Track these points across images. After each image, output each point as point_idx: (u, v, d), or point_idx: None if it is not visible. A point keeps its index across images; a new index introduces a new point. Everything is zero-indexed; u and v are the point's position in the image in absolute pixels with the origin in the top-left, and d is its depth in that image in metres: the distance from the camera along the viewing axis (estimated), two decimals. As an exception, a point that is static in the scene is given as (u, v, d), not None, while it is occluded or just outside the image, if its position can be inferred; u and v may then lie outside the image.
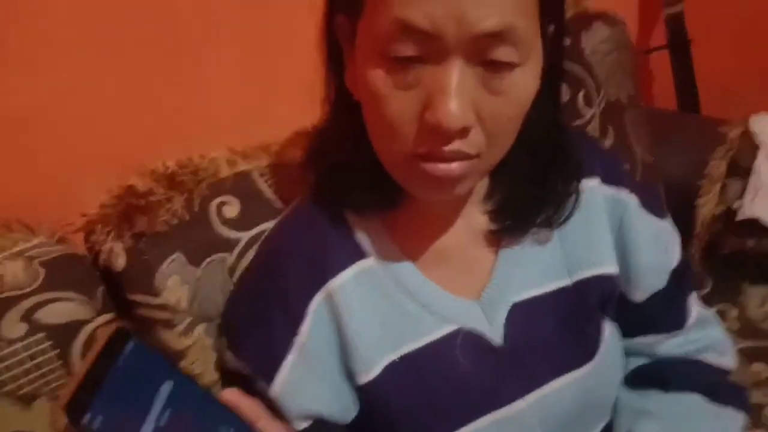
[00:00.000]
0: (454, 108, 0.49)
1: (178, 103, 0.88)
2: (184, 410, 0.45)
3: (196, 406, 0.47)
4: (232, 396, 0.50)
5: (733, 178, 1.12)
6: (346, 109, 0.59)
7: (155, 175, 0.71)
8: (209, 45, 0.90)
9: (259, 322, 0.64)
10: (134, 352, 0.45)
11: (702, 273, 1.13)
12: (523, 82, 0.52)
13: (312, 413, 0.63)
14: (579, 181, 0.66)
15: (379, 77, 0.51)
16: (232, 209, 0.74)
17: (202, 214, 0.72)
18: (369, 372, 0.63)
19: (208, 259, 0.71)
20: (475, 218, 0.66)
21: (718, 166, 1.12)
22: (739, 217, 1.10)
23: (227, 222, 0.73)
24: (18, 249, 0.65)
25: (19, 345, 0.60)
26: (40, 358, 0.61)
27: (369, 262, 0.64)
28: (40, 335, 0.61)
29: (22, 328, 0.61)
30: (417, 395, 0.63)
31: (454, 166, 0.53)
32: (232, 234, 0.73)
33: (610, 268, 0.69)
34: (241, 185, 0.75)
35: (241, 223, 0.74)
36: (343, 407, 0.65)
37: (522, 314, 0.65)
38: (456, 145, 0.52)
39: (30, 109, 0.78)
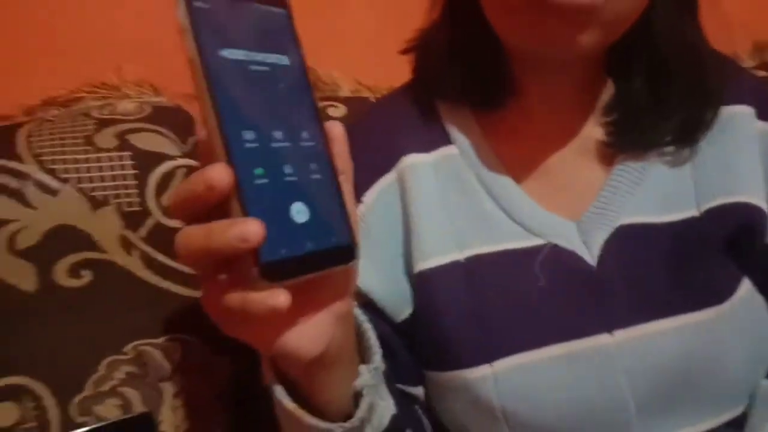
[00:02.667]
0: None
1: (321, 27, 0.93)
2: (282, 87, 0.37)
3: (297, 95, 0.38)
4: (338, 130, 0.40)
5: None
6: None
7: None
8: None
9: None
10: None
11: None
12: None
13: (360, 290, 0.56)
14: (716, 107, 0.58)
15: None
16: (338, 111, 0.75)
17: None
18: (428, 260, 0.57)
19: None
20: (589, 131, 0.59)
21: None
22: None
23: (329, 119, 0.73)
24: (140, 99, 0.72)
25: (104, 154, 0.64)
26: (118, 172, 0.64)
27: (452, 150, 0.60)
28: (126, 153, 0.65)
29: (112, 142, 0.65)
30: (475, 303, 0.55)
31: None
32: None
33: (754, 198, 0.57)
34: (353, 101, 0.76)
35: (344, 120, 0.73)
36: (396, 297, 0.58)
37: (627, 239, 0.55)
38: None
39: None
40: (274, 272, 0.34)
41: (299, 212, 0.35)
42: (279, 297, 0.33)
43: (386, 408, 0.50)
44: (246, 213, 0.33)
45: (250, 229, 0.32)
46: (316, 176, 0.37)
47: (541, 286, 0.55)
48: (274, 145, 0.35)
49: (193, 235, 0.34)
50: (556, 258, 0.55)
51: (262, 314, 0.34)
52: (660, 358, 0.53)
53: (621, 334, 0.53)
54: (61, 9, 0.83)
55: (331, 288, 0.40)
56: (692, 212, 0.56)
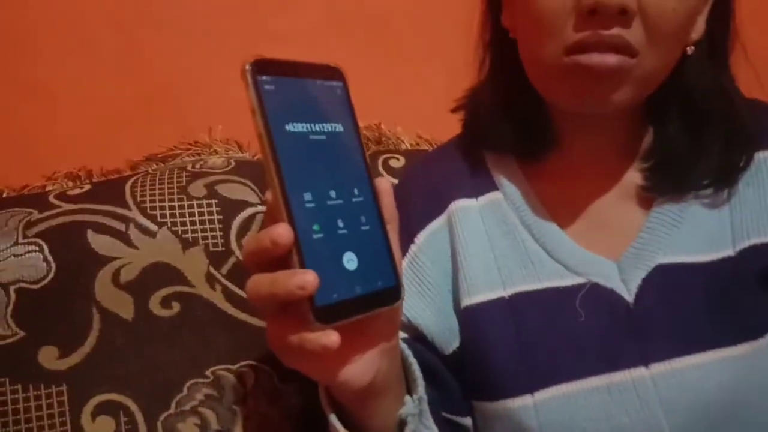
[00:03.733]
0: None
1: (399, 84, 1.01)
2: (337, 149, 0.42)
3: (350, 156, 0.43)
4: (385, 185, 0.46)
5: None
6: (501, 49, 0.65)
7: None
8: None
9: None
10: None
11: None
12: None
13: (411, 323, 0.62)
14: (750, 151, 0.61)
15: None
16: (399, 163, 0.82)
17: (370, 159, 0.81)
18: (474, 296, 0.61)
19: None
20: (630, 177, 0.63)
21: None
22: None
23: (390, 170, 0.81)
24: (227, 155, 0.82)
25: (195, 202, 0.74)
26: (206, 217, 0.73)
27: (498, 196, 0.65)
28: (214, 200, 0.74)
29: (202, 191, 0.74)
30: (519, 336, 0.59)
31: (610, 57, 0.52)
32: (391, 179, 0.80)
33: None
34: (413, 153, 0.84)
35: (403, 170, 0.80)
36: (445, 331, 0.63)
37: (665, 277, 0.58)
38: (616, 30, 0.51)
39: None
40: (327, 315, 0.39)
41: (350, 260, 0.41)
42: (330, 337, 0.39)
43: None
44: (303, 264, 0.39)
45: (306, 279, 0.38)
46: (366, 227, 0.42)
47: (582, 321, 0.58)
48: (329, 203, 0.41)
49: (260, 283, 0.40)
50: (596, 295, 0.58)
51: (317, 352, 0.40)
52: (697, 391, 0.54)
53: (657, 367, 0.55)
54: (165, 80, 0.95)
55: (378, 325, 0.46)
56: (728, 252, 0.58)
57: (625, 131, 0.63)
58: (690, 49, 0.57)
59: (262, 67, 0.40)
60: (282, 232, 0.38)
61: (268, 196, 0.41)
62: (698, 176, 0.60)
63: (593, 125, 0.62)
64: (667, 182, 0.60)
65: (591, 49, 0.52)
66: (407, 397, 0.51)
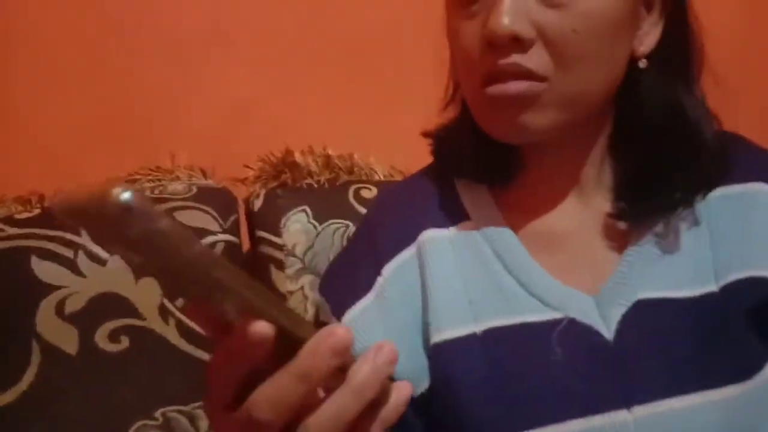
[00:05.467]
0: (502, 15, 0.49)
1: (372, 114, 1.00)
2: None
3: None
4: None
5: None
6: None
7: (314, 155, 0.81)
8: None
9: (348, 264, 0.64)
10: None
11: None
12: None
13: None
14: (714, 174, 0.58)
15: (452, 16, 0.57)
16: (371, 193, 0.79)
17: (341, 189, 0.78)
18: (444, 332, 0.58)
19: (332, 221, 0.76)
20: (599, 205, 0.61)
21: None
22: None
23: (361, 200, 0.78)
24: (189, 182, 0.78)
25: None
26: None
27: (469, 226, 0.62)
28: (171, 228, 0.70)
29: (160, 218, 0.71)
30: (492, 376, 0.55)
31: (511, 85, 0.52)
32: (361, 209, 0.76)
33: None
34: (387, 184, 0.81)
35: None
36: (414, 369, 0.59)
37: (645, 314, 0.55)
38: (513, 59, 0.51)
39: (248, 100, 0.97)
40: None
41: None
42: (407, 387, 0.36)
43: None
44: None
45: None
46: None
47: (558, 359, 0.54)
48: None
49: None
50: (573, 332, 0.55)
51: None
52: None
53: (640, 411, 0.51)
54: (125, 101, 0.92)
55: None
56: (711, 287, 0.56)
57: (591, 159, 0.61)
58: (642, 63, 0.56)
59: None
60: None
61: None
62: (657, 201, 0.57)
63: (548, 152, 0.59)
64: (630, 208, 0.58)
65: (495, 79, 0.52)
66: None
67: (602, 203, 0.60)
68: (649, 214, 0.58)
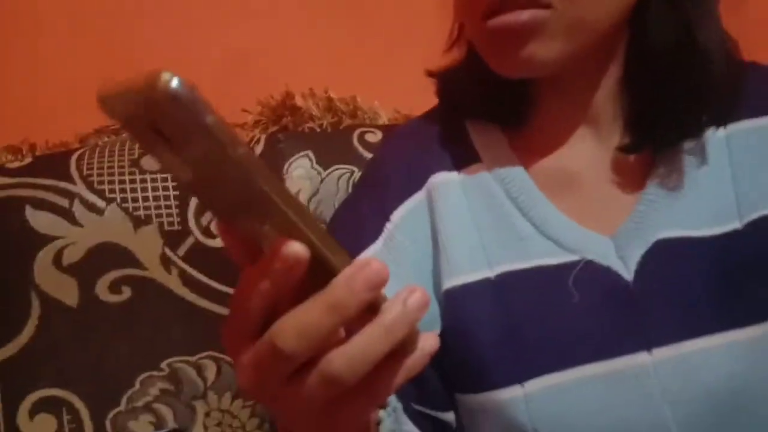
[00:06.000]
0: None
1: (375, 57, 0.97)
2: None
3: None
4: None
5: None
6: None
7: (315, 98, 0.78)
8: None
9: (354, 211, 0.62)
10: None
11: None
12: None
13: None
14: (724, 119, 0.56)
15: None
16: (375, 137, 0.76)
17: (345, 133, 0.76)
18: (457, 278, 0.56)
19: (336, 167, 0.73)
20: (616, 143, 0.58)
21: None
22: None
23: (366, 145, 0.75)
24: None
25: (148, 176, 0.67)
26: (161, 193, 0.67)
27: (481, 168, 0.60)
28: (169, 174, 0.67)
29: (157, 165, 0.68)
30: (506, 321, 0.54)
31: (512, 14, 0.49)
32: (367, 154, 0.74)
33: None
34: (391, 128, 0.78)
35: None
36: (425, 316, 0.57)
37: (666, 253, 0.53)
38: None
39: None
40: None
41: None
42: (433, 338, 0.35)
43: None
44: None
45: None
46: None
47: (575, 302, 0.53)
48: None
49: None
50: (591, 274, 0.54)
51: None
52: (704, 379, 0.50)
53: (660, 353, 0.50)
54: (109, 46, 0.89)
55: None
56: (734, 225, 0.54)
57: (604, 93, 0.58)
58: None
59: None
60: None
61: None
62: (663, 132, 0.55)
63: (566, 90, 0.57)
64: (636, 140, 0.56)
65: (499, 11, 0.49)
66: (382, 413, 0.45)
67: (617, 137, 0.58)
68: (657, 146, 0.56)
